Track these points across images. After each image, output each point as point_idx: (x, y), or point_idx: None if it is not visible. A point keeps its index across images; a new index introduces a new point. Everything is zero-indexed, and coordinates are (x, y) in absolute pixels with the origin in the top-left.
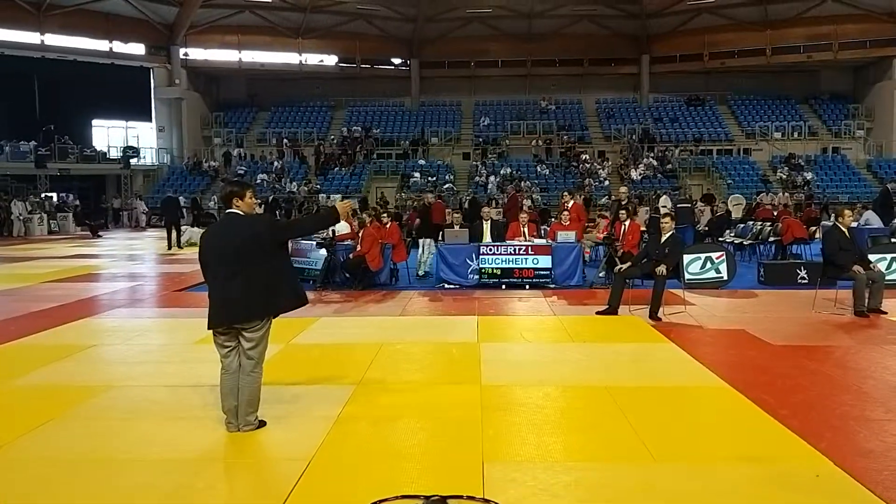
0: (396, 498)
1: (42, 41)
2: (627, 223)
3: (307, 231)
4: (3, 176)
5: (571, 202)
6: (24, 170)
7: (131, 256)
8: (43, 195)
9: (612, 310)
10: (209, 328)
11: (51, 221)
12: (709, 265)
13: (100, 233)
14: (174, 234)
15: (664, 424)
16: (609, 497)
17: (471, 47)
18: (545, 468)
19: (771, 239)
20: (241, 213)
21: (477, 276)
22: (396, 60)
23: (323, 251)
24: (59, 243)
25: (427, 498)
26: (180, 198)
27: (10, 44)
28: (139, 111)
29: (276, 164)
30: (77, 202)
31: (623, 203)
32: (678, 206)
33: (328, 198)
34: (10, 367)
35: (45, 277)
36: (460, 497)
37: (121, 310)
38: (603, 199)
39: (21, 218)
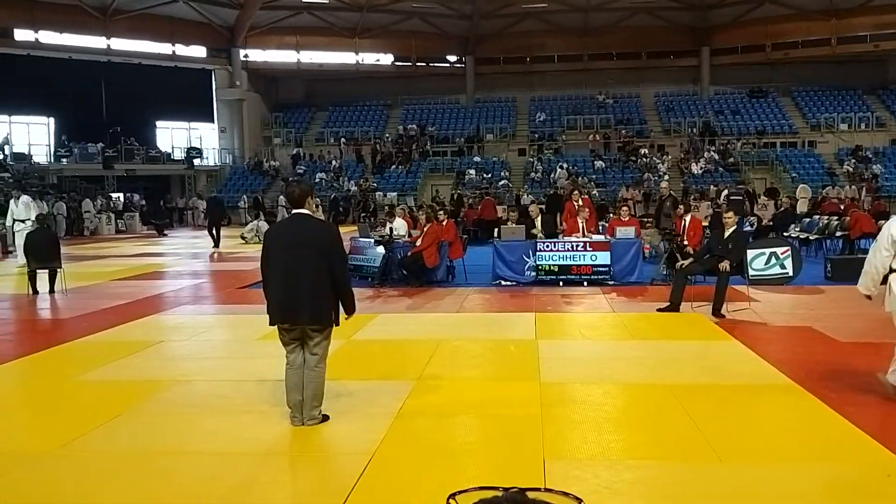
0: (474, 489)
1: (108, 45)
2: (688, 218)
3: (345, 285)
4: (72, 177)
5: (580, 199)
6: (92, 171)
7: (195, 255)
8: (111, 195)
9: (673, 307)
10: (273, 324)
11: (118, 221)
12: (773, 261)
13: (165, 232)
14: (215, 232)
15: (729, 423)
16: (673, 496)
17: (526, 43)
18: (607, 466)
19: (838, 233)
20: (311, 214)
21: (534, 273)
22: (452, 58)
23: (381, 248)
24: (127, 242)
25: (506, 489)
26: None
27: (78, 49)
28: (201, 112)
29: (333, 163)
30: (143, 202)
31: (663, 198)
32: (731, 197)
33: (384, 196)
34: (82, 363)
35: (114, 275)
36: (538, 489)
37: (186, 307)
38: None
39: (93, 215)
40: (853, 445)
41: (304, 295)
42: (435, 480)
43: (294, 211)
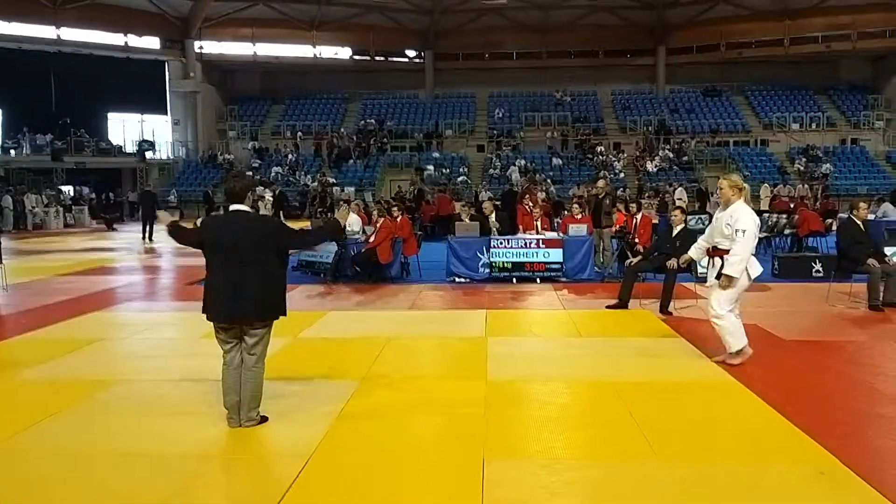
0: None
1: (58, 35)
2: (639, 216)
3: (311, 243)
4: (20, 169)
5: (531, 201)
6: (41, 163)
7: (145, 249)
8: (60, 188)
9: (622, 304)
10: (210, 320)
11: (67, 215)
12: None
13: (114, 226)
14: (148, 227)
15: (669, 421)
16: (609, 495)
17: (486, 39)
18: (546, 465)
19: (787, 231)
20: (248, 210)
21: (487, 270)
22: (411, 52)
23: (333, 244)
24: (74, 236)
25: None
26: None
27: (27, 38)
28: (154, 104)
29: (290, 156)
30: (93, 195)
31: (601, 197)
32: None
33: (342, 191)
34: (19, 360)
35: (58, 270)
36: None
37: (132, 303)
38: (618, 192)
39: (34, 211)
40: (789, 443)
41: (244, 294)
42: (372, 483)
43: (231, 207)
